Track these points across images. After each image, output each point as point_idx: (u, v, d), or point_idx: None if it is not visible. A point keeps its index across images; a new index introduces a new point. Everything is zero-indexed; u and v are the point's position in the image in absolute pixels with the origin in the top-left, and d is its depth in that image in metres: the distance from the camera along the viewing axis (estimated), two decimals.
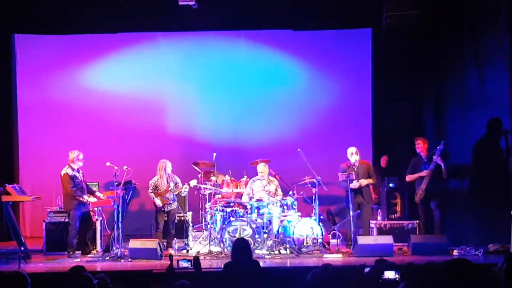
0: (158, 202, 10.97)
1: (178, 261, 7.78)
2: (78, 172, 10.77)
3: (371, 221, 11.28)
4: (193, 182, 11.19)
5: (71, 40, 13.44)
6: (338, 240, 10.81)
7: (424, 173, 10.84)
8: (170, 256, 7.49)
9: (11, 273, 5.40)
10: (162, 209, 10.99)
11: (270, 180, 11.34)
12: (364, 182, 10.97)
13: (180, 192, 11.18)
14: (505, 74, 10.77)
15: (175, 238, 10.96)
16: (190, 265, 7.21)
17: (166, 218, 11.04)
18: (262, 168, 11.31)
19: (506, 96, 10.70)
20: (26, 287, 5.14)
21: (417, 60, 12.75)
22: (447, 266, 4.95)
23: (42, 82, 13.48)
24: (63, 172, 10.68)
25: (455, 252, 10.11)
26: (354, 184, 10.86)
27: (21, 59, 13.40)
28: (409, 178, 11.11)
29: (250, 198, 11.11)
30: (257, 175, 11.39)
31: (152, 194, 11.01)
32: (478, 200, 11.54)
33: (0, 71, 12.91)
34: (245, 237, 10.00)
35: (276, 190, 11.27)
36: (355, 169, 10.99)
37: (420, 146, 11.00)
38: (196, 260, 7.22)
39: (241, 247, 7.03)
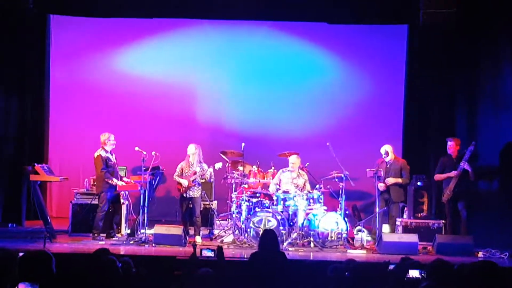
0: (184, 181, 10.84)
1: (201, 250, 7.80)
2: (112, 155, 10.83)
3: (397, 219, 11.19)
4: (218, 165, 11.10)
5: (106, 23, 13.49)
6: (363, 235, 10.78)
7: (452, 173, 10.72)
8: (194, 244, 7.50)
9: (36, 252, 5.45)
10: (184, 196, 10.90)
11: (300, 173, 11.28)
12: (391, 181, 10.89)
13: (206, 177, 11.11)
14: None
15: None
16: (213, 255, 7.25)
17: (191, 206, 10.99)
18: (294, 159, 11.23)
19: None
20: (50, 267, 5.17)
21: (451, 59, 12.58)
22: (473, 268, 4.89)
23: (75, 64, 13.56)
24: (96, 154, 10.75)
25: (480, 254, 10.05)
26: (380, 186, 10.80)
27: (56, 40, 13.46)
28: (437, 177, 11.01)
29: (277, 190, 11.07)
30: (285, 166, 11.35)
31: (177, 177, 10.96)
32: (507, 202, 11.40)
33: (35, 51, 12.95)
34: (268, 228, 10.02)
35: (304, 184, 11.21)
36: (387, 166, 10.91)
37: (452, 147, 10.87)
38: (219, 250, 7.23)
39: (269, 238, 7.05)
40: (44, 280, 4.99)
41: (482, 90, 12.38)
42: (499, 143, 11.75)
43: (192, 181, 10.83)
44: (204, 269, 5.56)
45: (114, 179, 10.71)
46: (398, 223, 11.14)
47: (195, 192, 10.95)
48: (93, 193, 11.13)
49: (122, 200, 11.25)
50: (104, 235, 10.73)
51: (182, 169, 10.97)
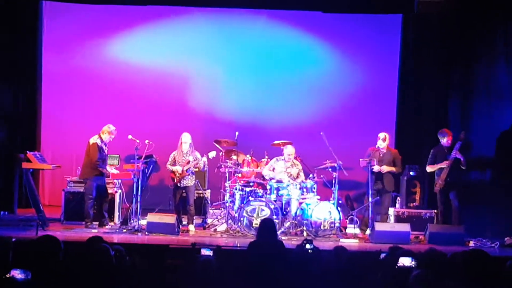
0: (178, 168, 10.81)
1: (200, 249, 7.77)
2: (105, 146, 10.80)
3: (389, 208, 11.23)
4: (212, 154, 11.08)
5: (99, 10, 13.38)
6: (355, 225, 10.84)
7: (444, 164, 10.76)
8: (193, 245, 7.48)
9: (43, 237, 5.43)
10: (178, 185, 10.89)
11: (294, 163, 11.28)
12: (386, 168, 10.92)
13: (199, 166, 11.12)
14: None
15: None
16: (212, 254, 7.23)
17: (184, 195, 10.99)
18: (291, 150, 11.16)
19: None
20: (59, 251, 5.17)
21: (445, 49, 12.62)
22: (463, 257, 4.92)
23: (68, 51, 13.49)
24: (92, 141, 10.68)
25: (471, 244, 10.13)
26: (376, 168, 10.81)
27: (48, 27, 13.38)
28: (429, 168, 11.04)
29: (271, 179, 11.05)
30: (279, 155, 11.34)
31: (170, 166, 10.96)
32: (498, 192, 11.45)
33: (27, 38, 12.88)
34: (263, 218, 10.05)
35: (298, 174, 11.20)
36: (381, 155, 10.94)
37: (449, 140, 10.85)
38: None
39: (268, 227, 7.09)
40: (48, 267, 4.98)
41: (476, 80, 12.42)
42: (492, 134, 11.80)
43: (186, 170, 10.82)
44: (205, 256, 5.57)
45: (108, 168, 10.71)
46: (390, 212, 11.18)
47: (189, 181, 10.92)
48: None
49: (115, 189, 11.25)
50: (97, 223, 10.72)
51: (174, 158, 10.95)
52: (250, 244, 6.97)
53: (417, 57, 12.91)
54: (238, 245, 9.59)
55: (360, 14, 13.34)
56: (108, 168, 10.72)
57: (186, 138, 10.94)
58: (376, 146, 11.02)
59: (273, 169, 11.21)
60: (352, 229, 10.94)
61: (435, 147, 11.02)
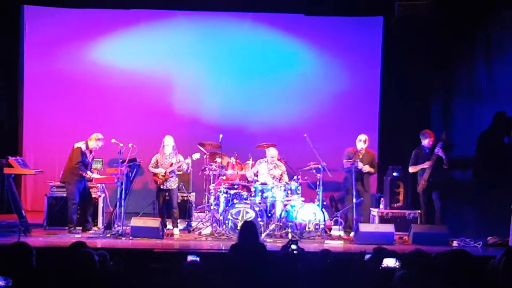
0: (160, 170, 10.76)
1: (187, 255, 7.75)
2: (90, 153, 10.74)
3: (373, 209, 11.31)
4: (196, 155, 11.06)
5: (81, 13, 13.35)
6: (340, 226, 10.88)
7: (426, 164, 10.84)
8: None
9: (15, 244, 5.39)
10: (161, 187, 10.86)
11: (277, 164, 11.30)
12: (367, 168, 11.00)
13: (183, 169, 11.08)
14: None
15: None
16: (199, 259, 7.23)
17: (167, 198, 10.97)
18: (273, 152, 11.21)
19: None
20: (31, 258, 5.13)
21: (427, 51, 12.71)
22: (446, 257, 4.95)
23: (49, 55, 13.43)
24: (76, 145, 10.63)
25: (455, 243, 10.19)
26: (361, 165, 10.87)
27: (30, 31, 13.33)
28: (411, 169, 11.11)
29: (255, 181, 11.07)
30: (263, 157, 11.36)
31: (152, 168, 10.90)
32: (480, 192, 11.53)
33: (8, 42, 12.82)
34: (248, 220, 10.06)
35: (281, 175, 11.23)
36: (360, 157, 11.00)
37: (431, 141, 10.93)
38: None
39: (248, 230, 7.08)
40: (22, 273, 4.95)
41: (457, 82, 12.52)
42: (473, 134, 11.87)
43: (169, 172, 10.79)
44: (191, 260, 5.55)
45: (89, 172, 10.66)
46: (374, 213, 11.24)
47: (172, 184, 10.90)
48: None
49: (99, 193, 11.20)
50: (80, 228, 10.67)
51: (157, 160, 10.93)
52: (232, 247, 6.97)
53: (399, 59, 12.98)
54: (223, 248, 9.58)
55: (341, 16, 13.40)
56: (89, 172, 10.65)
57: (168, 141, 10.90)
58: (358, 148, 11.06)
59: (257, 171, 11.22)
60: (337, 231, 10.97)
61: (417, 148, 11.10)
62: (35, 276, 5.07)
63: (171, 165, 10.80)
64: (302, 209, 10.52)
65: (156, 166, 10.87)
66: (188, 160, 10.97)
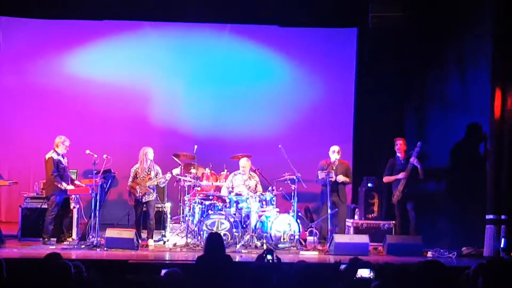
0: (139, 190, 10.79)
1: (162, 269, 7.71)
2: (63, 158, 10.70)
3: (348, 220, 11.35)
4: (176, 171, 11.09)
5: (55, 25, 13.27)
6: (315, 237, 10.92)
7: (401, 175, 10.94)
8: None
9: None
10: (140, 200, 10.87)
11: (251, 175, 11.33)
12: (341, 178, 11.05)
13: (160, 182, 11.07)
14: (487, 78, 10.83)
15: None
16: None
17: (145, 209, 10.93)
18: (244, 163, 11.27)
19: (486, 100, 10.76)
20: (1, 271, 5.10)
21: (400, 62, 12.83)
22: (420, 268, 5.00)
23: (23, 67, 13.35)
24: (47, 156, 10.59)
25: (429, 254, 10.24)
26: (336, 177, 10.91)
27: (3, 42, 13.25)
28: (386, 179, 11.21)
29: (230, 192, 11.10)
30: (237, 169, 11.38)
31: (131, 184, 10.89)
32: (455, 203, 11.63)
33: None
34: (222, 231, 10.06)
35: (256, 186, 11.26)
36: (334, 168, 11.06)
37: (400, 147, 11.10)
38: None
39: (213, 241, 7.07)
40: None
41: (430, 92, 12.63)
42: (447, 145, 11.98)
43: (149, 186, 10.81)
44: (171, 269, 5.53)
45: (64, 183, 10.58)
46: (349, 224, 11.29)
47: (150, 196, 10.92)
48: (43, 197, 10.96)
49: (73, 204, 11.14)
50: (55, 239, 10.60)
51: (136, 172, 10.91)
52: (198, 258, 6.98)
53: (373, 70, 13.08)
54: None
55: (316, 28, 13.49)
56: (64, 183, 10.59)
57: (150, 155, 10.91)
58: (332, 159, 11.12)
59: (232, 184, 11.24)
60: (312, 242, 11.01)
61: (391, 159, 11.20)
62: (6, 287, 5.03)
63: (150, 178, 10.80)
64: (277, 220, 10.54)
65: (135, 177, 10.85)
66: (168, 175, 10.96)
